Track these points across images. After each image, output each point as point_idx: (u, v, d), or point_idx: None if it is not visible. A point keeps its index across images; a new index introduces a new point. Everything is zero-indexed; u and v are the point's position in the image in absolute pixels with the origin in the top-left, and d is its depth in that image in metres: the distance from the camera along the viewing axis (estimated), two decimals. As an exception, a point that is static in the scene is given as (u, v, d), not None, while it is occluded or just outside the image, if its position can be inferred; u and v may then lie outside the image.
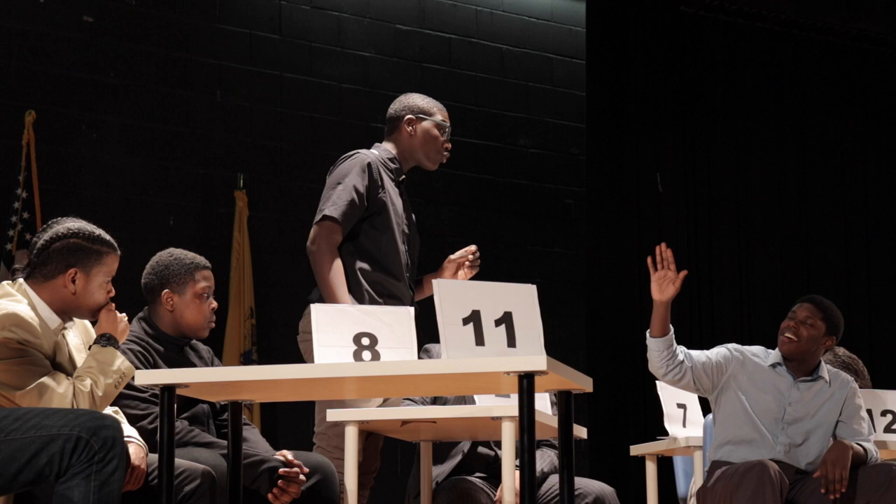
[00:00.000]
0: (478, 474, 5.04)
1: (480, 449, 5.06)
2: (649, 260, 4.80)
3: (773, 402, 4.87)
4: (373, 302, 4.77)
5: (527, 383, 3.30)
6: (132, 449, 3.71)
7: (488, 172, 8.71)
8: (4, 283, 3.74)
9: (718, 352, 4.97)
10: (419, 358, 4.50)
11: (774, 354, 4.97)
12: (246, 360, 7.54)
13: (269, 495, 4.14)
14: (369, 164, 4.94)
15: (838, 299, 9.23)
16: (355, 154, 5.00)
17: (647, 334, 4.87)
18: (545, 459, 5.09)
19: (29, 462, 3.17)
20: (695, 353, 4.96)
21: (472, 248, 5.16)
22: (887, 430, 5.25)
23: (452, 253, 5.25)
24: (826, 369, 5.00)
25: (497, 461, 4.98)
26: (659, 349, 4.85)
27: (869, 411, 5.21)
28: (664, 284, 4.79)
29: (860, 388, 5.59)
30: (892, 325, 9.25)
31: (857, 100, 9.67)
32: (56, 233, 3.73)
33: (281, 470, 4.15)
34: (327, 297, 4.67)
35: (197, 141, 7.77)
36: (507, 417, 4.25)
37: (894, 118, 9.67)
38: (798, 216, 9.47)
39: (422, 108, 5.12)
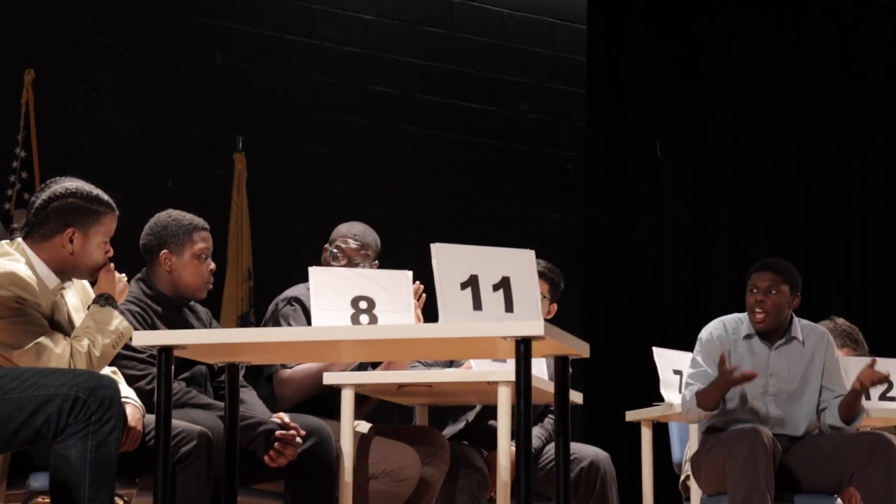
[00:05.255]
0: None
1: (491, 422, 4.99)
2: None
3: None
4: None
5: (524, 348, 3.31)
6: (129, 410, 3.71)
7: (488, 137, 8.69)
8: (3, 242, 3.74)
9: (710, 350, 4.91)
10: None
11: (746, 325, 4.96)
12: (244, 322, 7.55)
13: (266, 457, 4.15)
14: None
15: (837, 267, 9.29)
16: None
17: (700, 407, 4.80)
18: (544, 431, 5.10)
19: (26, 421, 3.18)
20: (706, 380, 4.88)
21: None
22: (882, 398, 5.27)
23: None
24: (798, 326, 4.98)
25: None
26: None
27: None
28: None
29: (858, 357, 5.62)
30: (889, 293, 9.25)
31: (857, 67, 9.63)
32: (54, 192, 3.72)
33: (277, 432, 4.16)
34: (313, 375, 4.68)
35: (196, 102, 7.74)
36: (504, 382, 4.26)
37: (895, 86, 9.63)
38: (797, 184, 9.45)
39: None
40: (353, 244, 4.83)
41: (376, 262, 4.88)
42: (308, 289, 4.56)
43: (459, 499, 4.76)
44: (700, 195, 9.44)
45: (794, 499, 4.78)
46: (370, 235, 4.89)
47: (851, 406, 4.87)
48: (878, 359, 5.01)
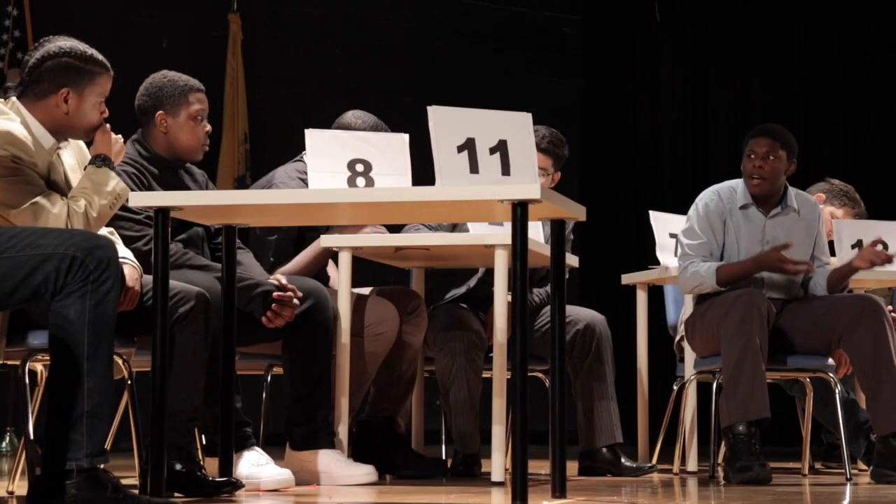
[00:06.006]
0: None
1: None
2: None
3: (752, 244, 4.90)
4: None
5: (520, 211, 3.31)
6: (127, 270, 3.72)
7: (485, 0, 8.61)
8: (-3, 101, 3.71)
9: (708, 221, 4.92)
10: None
11: (742, 194, 4.95)
12: (240, 185, 7.56)
13: (263, 318, 4.18)
14: None
15: (835, 133, 9.26)
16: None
17: (720, 283, 4.82)
18: (542, 292, 5.13)
19: (24, 280, 3.19)
20: (709, 251, 4.92)
21: None
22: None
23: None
24: (793, 195, 4.99)
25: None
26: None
27: (860, 242, 5.26)
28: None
29: (857, 215, 5.67)
30: (889, 156, 9.23)
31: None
32: (48, 51, 3.68)
33: (275, 294, 4.18)
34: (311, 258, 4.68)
35: (190, -38, 7.65)
36: (500, 245, 4.28)
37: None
38: (796, 48, 9.37)
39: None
40: None
41: None
42: (298, 172, 4.56)
43: (455, 360, 4.80)
44: (699, 59, 9.38)
45: (787, 360, 4.84)
46: (383, 126, 4.80)
47: (843, 279, 4.92)
48: (876, 222, 5.03)
